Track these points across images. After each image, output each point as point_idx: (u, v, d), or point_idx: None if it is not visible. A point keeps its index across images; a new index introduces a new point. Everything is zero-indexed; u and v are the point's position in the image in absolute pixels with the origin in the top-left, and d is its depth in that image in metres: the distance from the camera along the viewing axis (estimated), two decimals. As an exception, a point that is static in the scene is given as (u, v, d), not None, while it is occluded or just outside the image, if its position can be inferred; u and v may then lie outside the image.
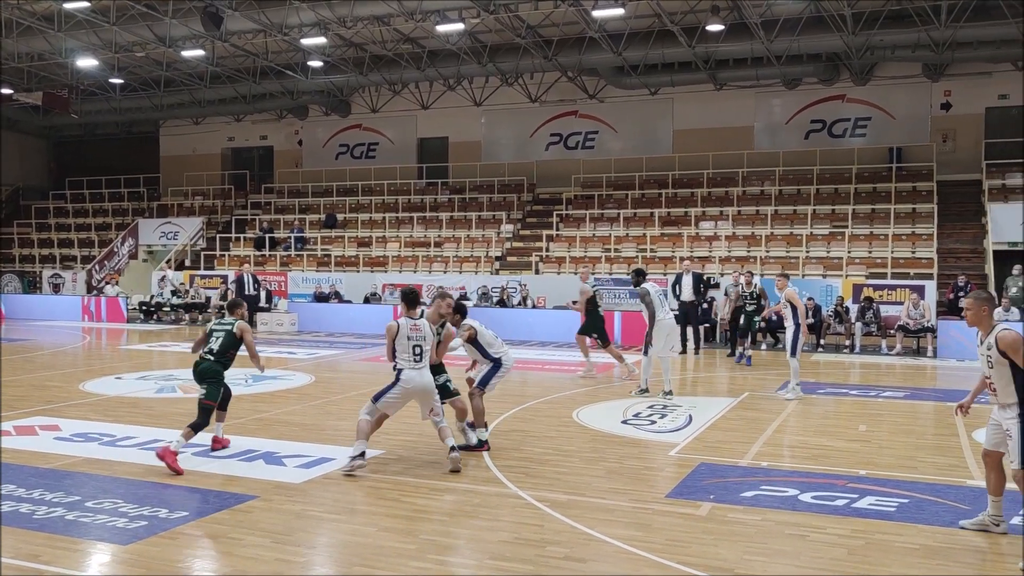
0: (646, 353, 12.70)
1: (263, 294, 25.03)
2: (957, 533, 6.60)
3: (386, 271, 27.11)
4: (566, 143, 30.53)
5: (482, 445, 9.17)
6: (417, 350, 8.31)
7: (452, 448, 8.30)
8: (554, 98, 29.97)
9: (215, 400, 8.93)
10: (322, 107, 32.84)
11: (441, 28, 23.45)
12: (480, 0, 21.15)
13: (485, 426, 9.37)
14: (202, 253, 30.67)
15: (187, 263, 31.00)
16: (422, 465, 8.59)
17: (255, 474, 8.18)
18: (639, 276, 13.19)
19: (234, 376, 14.72)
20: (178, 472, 8.09)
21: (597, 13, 22.04)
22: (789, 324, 12.95)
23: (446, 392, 8.99)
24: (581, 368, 15.27)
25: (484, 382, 9.51)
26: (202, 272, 28.85)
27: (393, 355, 8.40)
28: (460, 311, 9.51)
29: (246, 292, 24.13)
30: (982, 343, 6.42)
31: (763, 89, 27.45)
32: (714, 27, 22.24)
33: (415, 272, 26.74)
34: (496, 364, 9.52)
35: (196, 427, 8.57)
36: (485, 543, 6.41)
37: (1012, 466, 6.28)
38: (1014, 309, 19.29)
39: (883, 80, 26.37)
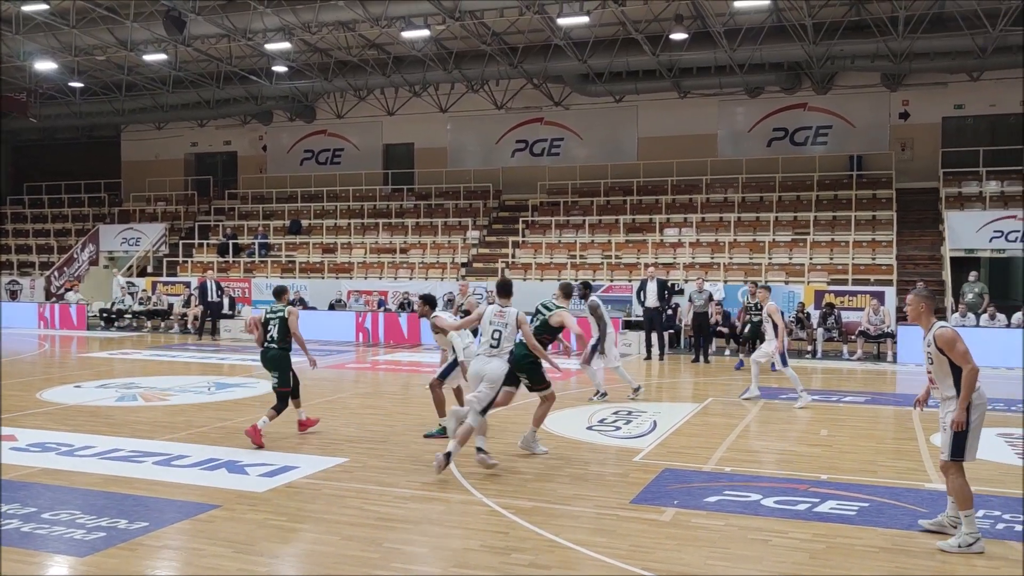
0: (589, 363, 12.71)
1: (226, 301, 24.79)
2: (916, 536, 6.70)
3: (351, 277, 26.98)
4: (532, 150, 30.61)
5: (442, 434, 9.72)
6: (496, 335, 8.63)
7: (479, 449, 8.60)
8: (520, 105, 30.05)
9: (288, 385, 10.00)
10: (287, 113, 32.62)
11: (407, 34, 23.42)
12: (446, 7, 21.16)
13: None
14: (165, 259, 30.31)
15: (149, 269, 30.60)
16: (386, 472, 8.55)
17: (217, 483, 8.10)
18: (587, 289, 13.53)
19: (196, 384, 14.64)
20: (259, 446, 9.44)
21: (562, 21, 22.15)
22: (770, 338, 13.07)
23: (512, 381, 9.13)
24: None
25: (444, 374, 10.07)
26: (165, 279, 28.51)
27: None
28: (429, 303, 10.40)
29: (209, 299, 23.93)
30: (924, 339, 6.68)
31: (726, 97, 27.74)
32: (678, 36, 22.45)
33: (380, 279, 26.63)
34: (454, 362, 9.98)
35: (278, 410, 9.86)
36: (450, 551, 6.39)
37: (941, 456, 6.57)
38: (970, 315, 19.66)
39: (843, 89, 26.77)
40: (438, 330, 10.11)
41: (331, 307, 25.06)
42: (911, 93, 26.16)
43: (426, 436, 10.21)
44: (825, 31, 22.42)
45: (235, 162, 34.95)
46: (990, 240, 22.06)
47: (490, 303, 9.04)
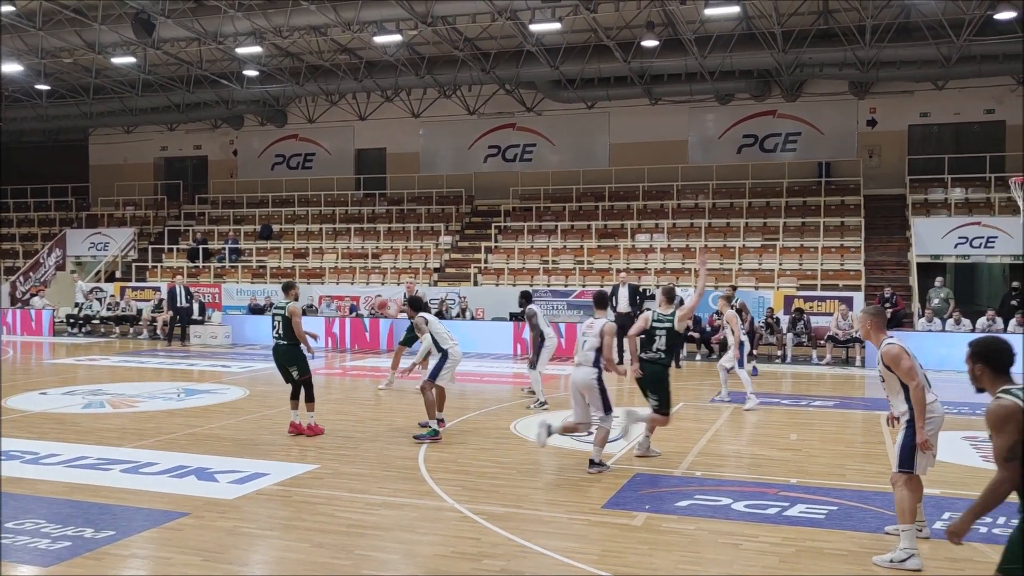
0: (533, 367, 13.13)
1: (196, 306, 24.57)
2: (883, 538, 6.77)
3: (323, 283, 26.84)
4: (504, 155, 30.65)
5: (436, 435, 10.15)
6: (586, 346, 9.02)
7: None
8: (492, 111, 30.09)
9: (309, 373, 10.48)
10: (258, 117, 32.42)
11: (379, 39, 23.38)
12: (418, 12, 21.15)
13: (440, 420, 10.51)
14: (133, 264, 29.97)
15: (118, 274, 30.26)
16: (357, 479, 8.52)
17: (186, 490, 8.02)
18: (525, 299, 14.30)
19: (165, 391, 14.49)
20: (318, 432, 10.44)
21: (534, 27, 22.22)
22: (732, 342, 13.37)
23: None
24: None
25: (434, 374, 10.40)
26: (134, 284, 28.20)
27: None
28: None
29: (178, 304, 23.69)
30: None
31: (697, 104, 27.95)
32: (649, 43, 22.59)
33: (352, 284, 26.51)
34: (444, 355, 10.39)
35: (310, 399, 10.46)
36: (421, 557, 6.38)
37: (893, 468, 6.53)
38: (936, 320, 19.94)
39: (812, 97, 27.08)
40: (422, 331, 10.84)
41: (303, 312, 24.86)
42: (878, 101, 26.53)
43: (416, 438, 10.21)
44: (794, 39, 22.68)
45: (205, 166, 34.66)
46: (955, 246, 22.38)
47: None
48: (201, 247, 29.42)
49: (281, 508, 7.54)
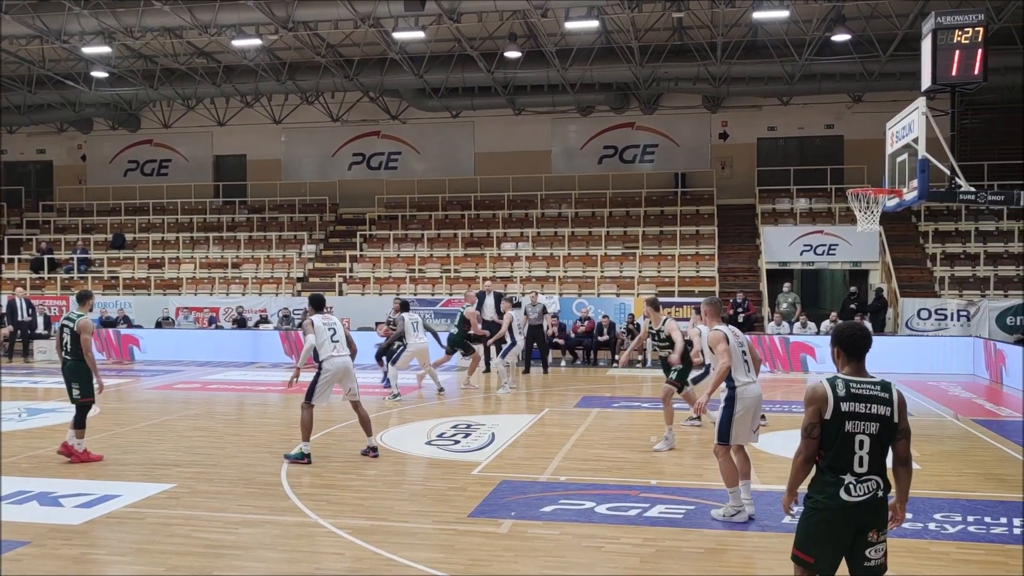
0: (394, 363, 14.85)
1: (40, 320, 23.19)
2: (737, 535, 7.09)
3: (180, 293, 25.84)
4: (369, 163, 30.38)
5: (302, 458, 9.64)
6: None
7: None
8: (356, 118, 29.78)
9: (91, 396, 9.61)
10: (108, 121, 30.94)
11: (237, 43, 22.72)
12: (278, 17, 20.70)
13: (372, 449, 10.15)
14: (-32, 276, 28.01)
15: (-50, 287, 28.18)
16: (216, 497, 8.24)
17: (27, 517, 7.53)
18: (403, 308, 15.64)
19: (7, 410, 13.58)
20: (95, 458, 9.59)
21: (398, 35, 22.13)
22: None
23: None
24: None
25: (309, 393, 9.85)
26: (-32, 297, 26.32)
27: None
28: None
29: (18, 318, 22.32)
30: None
31: (559, 115, 28.52)
32: (512, 54, 22.91)
33: (211, 295, 25.63)
34: (318, 371, 9.88)
35: (79, 425, 9.55)
36: None
37: (714, 441, 7.57)
38: (785, 323, 21.01)
39: (668, 110, 28.11)
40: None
41: (158, 325, 23.91)
42: (730, 114, 27.80)
43: (286, 457, 9.77)
44: (650, 54, 23.49)
45: (51, 172, 32.80)
46: (801, 253, 23.66)
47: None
48: (46, 257, 27.80)
49: (134, 531, 7.20)
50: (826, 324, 20.83)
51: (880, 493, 4.27)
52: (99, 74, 25.78)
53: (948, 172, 10.16)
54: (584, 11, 20.63)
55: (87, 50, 23.23)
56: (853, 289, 22.41)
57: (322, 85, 26.40)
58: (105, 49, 23.18)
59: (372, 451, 10.01)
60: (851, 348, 4.44)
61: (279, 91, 27.35)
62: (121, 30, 21.80)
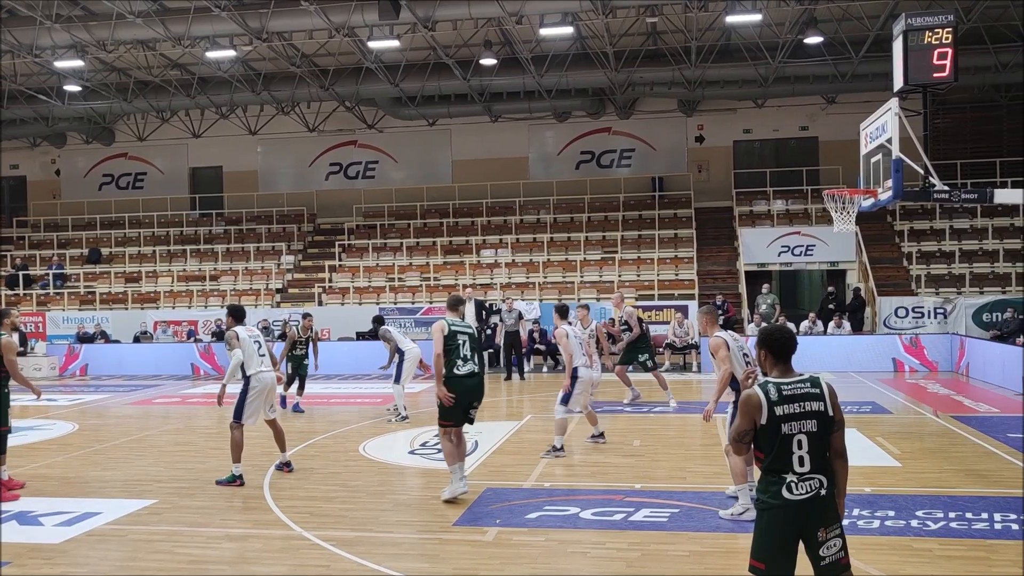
0: (397, 381, 13.41)
1: (15, 336, 22.90)
2: (721, 537, 7.11)
3: (158, 307, 25.65)
4: (346, 173, 30.30)
5: (234, 481, 9.17)
6: (581, 345, 10.49)
7: (600, 435, 10.81)
8: (332, 128, 29.71)
9: (6, 425, 8.89)
10: (82, 135, 30.69)
11: (211, 55, 22.62)
12: (252, 28, 20.62)
13: (285, 465, 9.81)
14: (-59, 294, 27.66)
15: (-77, 306, 27.82)
16: (199, 512, 8.17)
17: (6, 537, 7.42)
18: (377, 323, 15.03)
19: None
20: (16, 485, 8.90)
21: (373, 44, 22.11)
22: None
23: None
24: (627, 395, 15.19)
25: (238, 411, 9.43)
26: (-59, 315, 25.95)
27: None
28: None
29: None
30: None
31: (536, 121, 28.58)
32: (487, 61, 22.94)
33: (190, 308, 25.47)
34: (244, 387, 9.44)
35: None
36: (268, 589, 6.18)
37: (725, 441, 7.97)
38: (764, 324, 21.12)
39: (644, 114, 28.23)
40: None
41: (136, 339, 23.70)
42: (705, 118, 27.96)
43: (217, 483, 9.36)
44: (625, 59, 23.59)
45: (24, 187, 32.48)
46: (779, 255, 23.80)
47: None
48: (21, 273, 27.51)
49: (115, 549, 7.12)
50: (805, 324, 20.96)
51: (823, 492, 4.30)
52: (72, 88, 25.58)
53: (922, 171, 10.25)
54: (558, 17, 20.71)
55: (59, 64, 23.05)
56: (831, 289, 22.58)
57: (298, 95, 26.33)
58: (78, 63, 23.00)
59: (286, 466, 9.69)
60: (778, 350, 4.50)
61: (254, 102, 27.24)
62: (93, 43, 21.65)
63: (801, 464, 4.29)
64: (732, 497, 7.89)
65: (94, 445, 11.95)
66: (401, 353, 13.56)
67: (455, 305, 8.68)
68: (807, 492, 4.27)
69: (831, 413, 4.37)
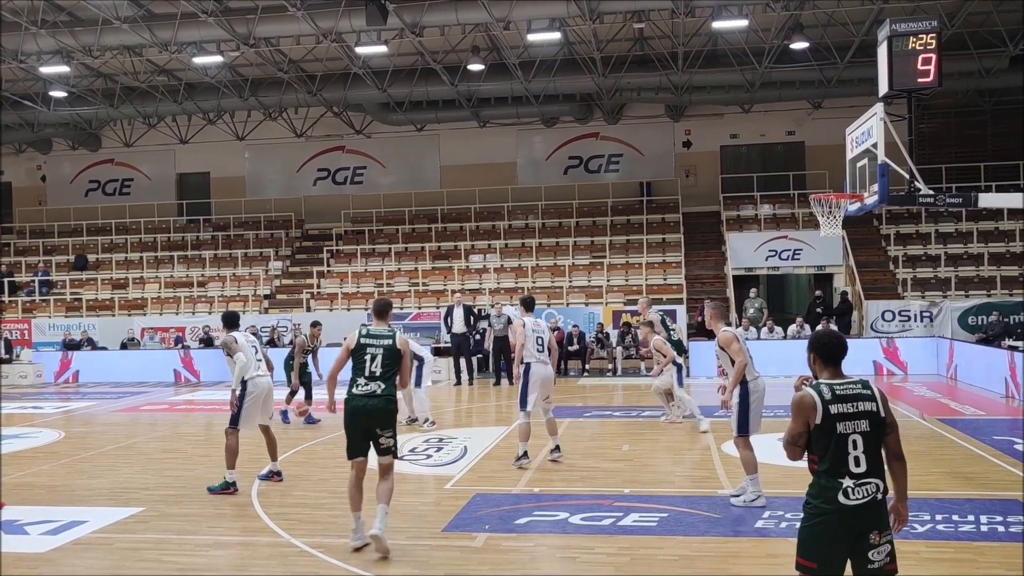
0: (418, 386, 13.21)
1: (1, 344, 22.79)
2: (710, 541, 7.12)
3: (145, 314, 25.53)
4: (334, 178, 30.26)
5: (227, 488, 9.09)
6: (540, 342, 9.96)
7: (555, 448, 10.27)
8: (320, 133, 29.68)
9: None
10: (68, 141, 30.55)
11: (198, 60, 22.58)
12: (239, 33, 20.58)
13: (275, 474, 9.70)
14: (-74, 301, 27.46)
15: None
16: (186, 520, 8.12)
17: (-7, 547, 7.39)
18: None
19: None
20: None
21: (360, 50, 22.10)
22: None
23: None
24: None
25: (234, 418, 9.28)
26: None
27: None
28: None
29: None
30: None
31: (524, 127, 28.62)
32: (475, 67, 22.97)
33: (177, 314, 25.36)
34: (242, 392, 9.22)
35: None
36: (257, 597, 6.16)
37: (733, 434, 8.29)
38: (752, 328, 21.19)
39: (632, 120, 28.31)
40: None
41: (123, 346, 23.58)
42: (692, 123, 28.06)
43: (209, 490, 9.22)
44: (613, 64, 23.67)
45: (10, 194, 32.28)
46: (766, 259, 23.89)
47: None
48: (7, 280, 27.35)
49: (102, 557, 7.08)
50: (792, 328, 21.04)
51: (879, 496, 4.26)
52: (58, 94, 25.46)
53: (907, 176, 10.33)
54: (546, 23, 20.75)
55: (45, 70, 22.95)
56: (818, 293, 22.68)
57: (285, 101, 26.29)
58: (63, 68, 22.90)
59: (276, 475, 9.56)
60: (828, 355, 4.49)
61: (242, 108, 27.19)
62: (79, 49, 21.57)
63: (857, 464, 4.25)
64: (735, 499, 8.22)
65: (80, 453, 11.88)
66: (420, 358, 13.39)
67: (382, 312, 7.50)
68: (864, 497, 4.23)
69: (883, 414, 4.36)
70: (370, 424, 7.00)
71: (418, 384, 13.20)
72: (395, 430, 7.13)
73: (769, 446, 9.01)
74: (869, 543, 4.25)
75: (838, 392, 4.34)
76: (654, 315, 13.94)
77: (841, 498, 4.22)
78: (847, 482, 4.24)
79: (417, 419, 13.23)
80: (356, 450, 7.10)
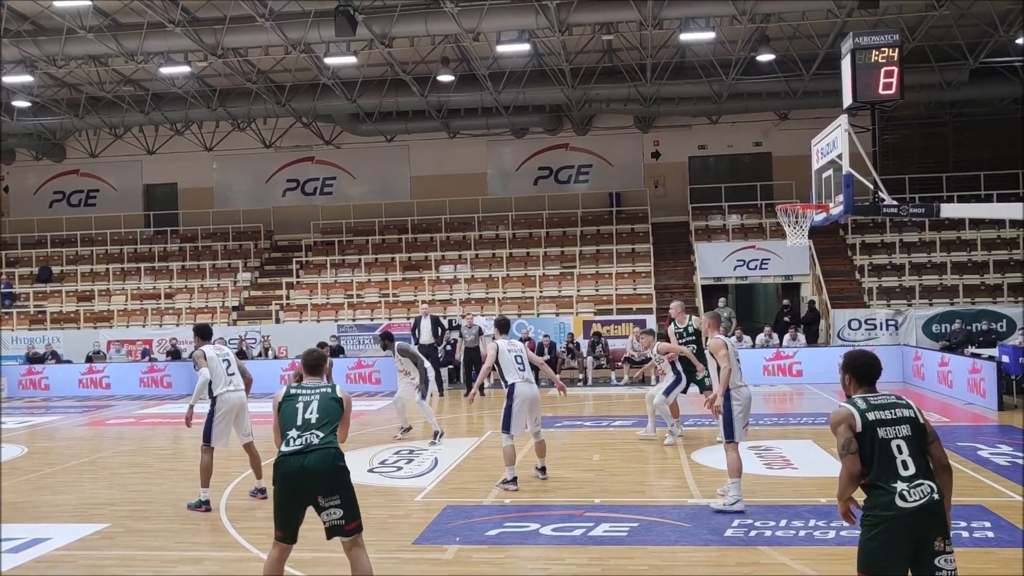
0: (424, 398, 13.03)
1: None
2: (681, 550, 7.15)
3: (111, 326, 25.21)
4: (303, 189, 30.12)
5: (200, 506, 8.90)
6: (519, 360, 9.64)
7: (542, 469, 9.90)
8: (290, 144, 29.54)
9: None
10: (31, 151, 30.13)
11: (165, 70, 22.38)
12: (207, 43, 20.45)
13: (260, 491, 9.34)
14: None
15: None
16: (152, 535, 8.02)
17: (-47, 565, 7.26)
18: (388, 339, 13.58)
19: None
20: None
21: (330, 60, 22.05)
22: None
23: None
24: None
25: (207, 433, 9.11)
26: None
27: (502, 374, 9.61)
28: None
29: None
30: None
31: (494, 137, 28.68)
32: (445, 77, 23.00)
33: (144, 327, 25.07)
34: (211, 408, 9.09)
35: None
36: (225, 613, 6.09)
37: (718, 438, 8.64)
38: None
39: (601, 131, 28.48)
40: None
41: (88, 359, 23.25)
42: (661, 134, 28.29)
43: (189, 507, 9.16)
44: (582, 76, 23.81)
45: (-30, 205, 31.79)
46: (735, 268, 24.11)
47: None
48: (-33, 293, 26.89)
49: (66, 575, 6.97)
50: (761, 337, 21.22)
51: (936, 496, 4.23)
52: (21, 104, 25.13)
53: (871, 186, 10.46)
54: (515, 35, 20.83)
55: (7, 79, 22.63)
56: (786, 302, 22.90)
57: (254, 111, 26.15)
58: (27, 78, 22.61)
59: (260, 493, 9.15)
60: (864, 374, 4.60)
61: (210, 118, 27.00)
62: (43, 59, 21.32)
63: (905, 468, 4.26)
64: (717, 498, 8.50)
65: (44, 468, 11.68)
66: (425, 369, 13.24)
67: (313, 367, 6.14)
68: (920, 498, 4.21)
69: (922, 420, 4.41)
70: (308, 489, 5.52)
71: (423, 396, 12.99)
72: (348, 493, 5.62)
73: (744, 455, 9.05)
74: (935, 550, 4.20)
75: (872, 402, 4.42)
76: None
77: (899, 502, 4.21)
78: (900, 485, 4.23)
79: (411, 428, 13.29)
80: (284, 527, 5.59)
